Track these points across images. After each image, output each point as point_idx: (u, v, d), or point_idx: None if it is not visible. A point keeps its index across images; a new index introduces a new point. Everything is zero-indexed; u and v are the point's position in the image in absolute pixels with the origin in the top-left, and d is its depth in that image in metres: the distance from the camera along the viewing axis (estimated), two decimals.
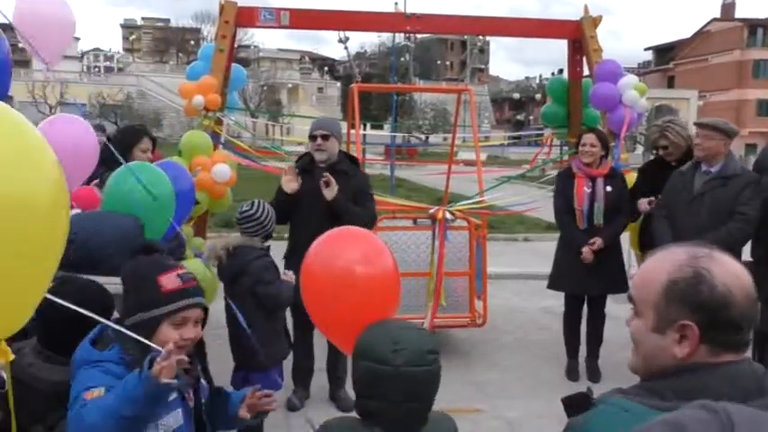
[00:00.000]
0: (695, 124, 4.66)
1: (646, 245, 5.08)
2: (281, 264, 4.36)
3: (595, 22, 6.38)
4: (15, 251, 1.46)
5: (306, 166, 4.58)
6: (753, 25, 53.85)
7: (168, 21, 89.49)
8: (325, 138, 4.51)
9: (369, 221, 4.51)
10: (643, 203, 4.93)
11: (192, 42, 74.10)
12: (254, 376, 3.63)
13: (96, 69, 75.25)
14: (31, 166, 1.51)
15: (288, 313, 4.11)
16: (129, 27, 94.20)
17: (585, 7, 6.50)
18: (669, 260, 1.30)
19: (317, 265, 2.16)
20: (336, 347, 4.53)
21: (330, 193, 4.35)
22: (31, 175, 1.50)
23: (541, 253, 9.67)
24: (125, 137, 4.61)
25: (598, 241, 5.01)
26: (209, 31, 73.38)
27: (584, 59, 6.50)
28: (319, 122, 4.72)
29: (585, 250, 4.99)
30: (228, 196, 5.39)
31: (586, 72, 6.64)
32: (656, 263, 1.33)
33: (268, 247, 3.85)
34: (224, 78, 6.01)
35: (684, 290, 1.26)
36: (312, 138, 4.53)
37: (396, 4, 23.62)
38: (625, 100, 5.85)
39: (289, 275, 3.84)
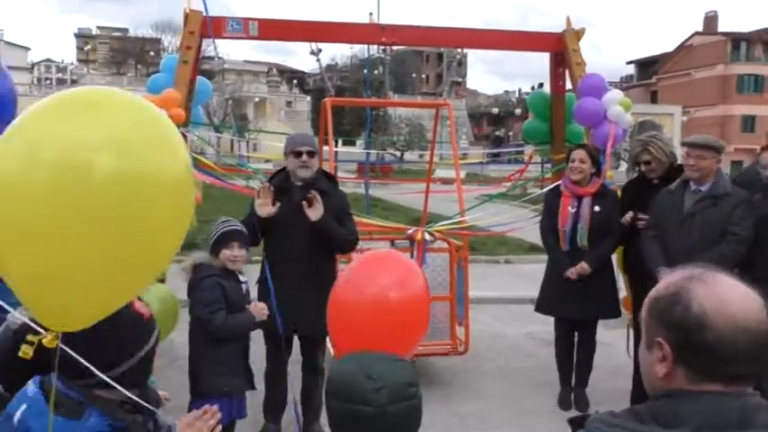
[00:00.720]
0: (684, 144, 4.73)
1: (631, 265, 5.13)
2: (254, 289, 4.30)
3: (578, 34, 6.50)
4: (154, 227, 1.64)
5: (282, 184, 4.50)
6: (736, 39, 55.40)
7: (126, 30, 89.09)
8: (311, 154, 4.46)
9: (352, 242, 4.50)
10: (627, 219, 4.98)
11: (152, 53, 73.77)
12: (193, 404, 3.56)
13: (48, 81, 74.47)
14: (170, 150, 1.69)
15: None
16: (83, 37, 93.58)
17: (568, 19, 6.62)
18: (667, 279, 1.36)
19: (351, 293, 2.18)
20: (312, 376, 4.53)
21: (315, 213, 4.29)
22: (169, 157, 1.69)
23: (524, 275, 9.74)
24: None
25: (584, 266, 5.02)
26: (170, 41, 73.22)
27: (567, 73, 6.61)
28: (302, 137, 4.68)
29: (570, 271, 5.02)
30: (192, 217, 5.34)
31: (568, 86, 6.75)
32: (660, 283, 1.38)
33: (232, 271, 3.79)
34: (188, 92, 5.99)
35: (662, 308, 1.32)
36: (296, 154, 4.44)
37: (370, 14, 23.86)
38: (610, 115, 5.95)
39: (258, 308, 3.78)
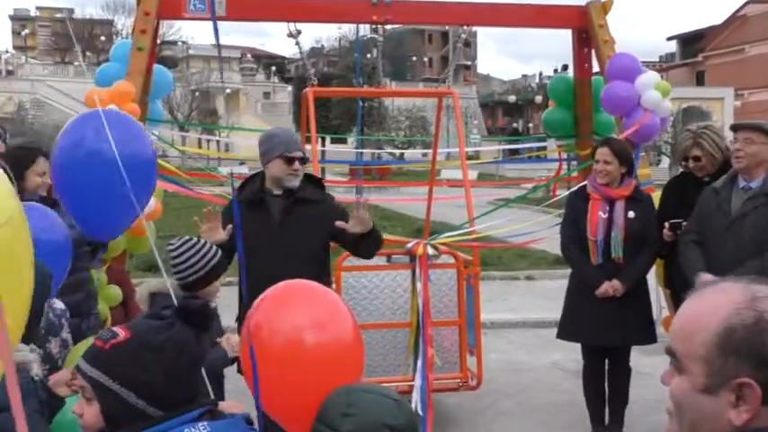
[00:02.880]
0: (732, 127, 4.74)
1: (674, 280, 5.15)
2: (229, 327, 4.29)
3: (605, 7, 6.54)
4: None
5: (256, 195, 4.45)
6: None
7: (72, 11, 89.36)
8: (302, 161, 4.43)
9: (381, 243, 4.57)
10: (667, 233, 4.99)
11: (103, 38, 73.94)
12: None
13: None
14: None
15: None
16: (20, 19, 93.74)
17: None
18: (722, 301, 1.30)
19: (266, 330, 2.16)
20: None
21: (365, 224, 4.26)
22: None
23: (548, 294, 9.77)
24: (16, 158, 4.57)
25: (616, 285, 5.03)
26: (123, 24, 73.42)
27: (594, 53, 6.65)
28: (292, 139, 4.58)
29: (604, 286, 5.02)
30: (149, 233, 5.36)
31: (596, 68, 6.79)
32: (703, 304, 1.33)
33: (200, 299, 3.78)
34: (144, 83, 6.02)
35: (745, 339, 1.26)
36: (288, 160, 4.37)
37: None
38: (644, 102, 5.99)
39: (233, 341, 3.75)
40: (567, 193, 5.87)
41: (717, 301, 1.31)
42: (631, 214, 5.08)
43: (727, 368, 1.27)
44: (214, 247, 3.74)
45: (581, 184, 5.48)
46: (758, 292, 1.29)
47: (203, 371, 3.53)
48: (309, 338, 2.13)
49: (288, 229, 4.33)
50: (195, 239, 3.77)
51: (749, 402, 1.25)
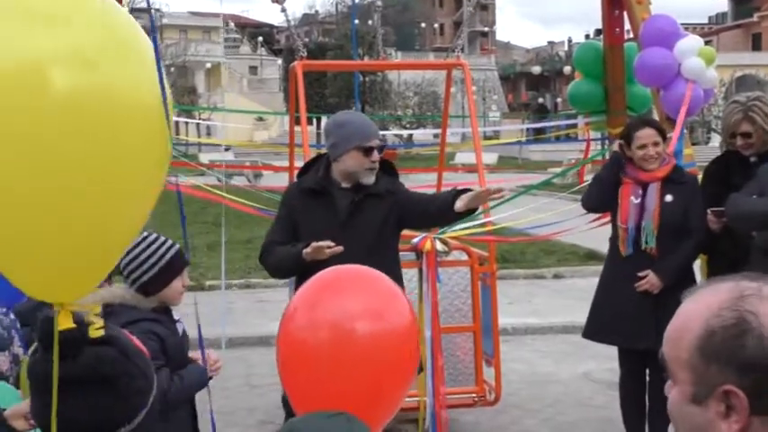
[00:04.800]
0: None
1: (719, 275, 5.13)
2: None
3: None
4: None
5: (320, 185, 4.41)
6: None
7: None
8: (380, 150, 4.35)
9: None
10: (712, 219, 4.98)
11: None
12: None
13: None
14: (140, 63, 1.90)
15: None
16: None
17: None
18: (709, 301, 1.33)
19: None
20: None
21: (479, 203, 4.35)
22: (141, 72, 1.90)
23: (579, 294, 9.75)
24: None
25: (651, 279, 5.03)
26: None
27: (626, 15, 6.64)
28: (370, 123, 4.54)
29: (639, 283, 5.01)
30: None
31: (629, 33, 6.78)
32: (693, 306, 1.36)
33: (166, 309, 3.64)
34: None
35: (723, 343, 1.28)
36: (365, 151, 4.29)
37: None
38: (685, 71, 5.98)
39: (212, 358, 3.72)
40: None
41: (705, 302, 1.34)
42: (669, 198, 5.05)
43: (710, 375, 1.29)
44: (170, 242, 3.65)
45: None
46: (746, 289, 1.31)
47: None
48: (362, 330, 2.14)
49: (352, 229, 4.29)
50: (151, 233, 3.67)
51: (738, 410, 1.27)
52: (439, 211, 4.40)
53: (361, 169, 4.32)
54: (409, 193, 4.57)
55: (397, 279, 4.50)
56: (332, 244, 4.12)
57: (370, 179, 4.35)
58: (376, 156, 4.32)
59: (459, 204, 4.20)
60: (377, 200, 4.36)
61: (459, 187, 4.46)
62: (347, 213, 4.33)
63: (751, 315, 1.27)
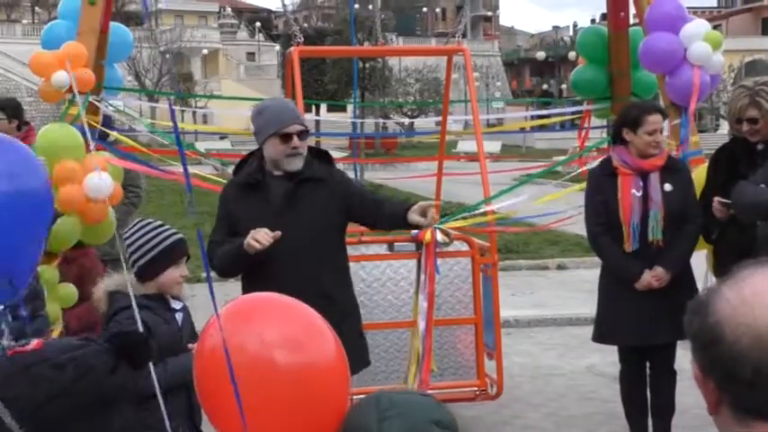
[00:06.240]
0: None
1: (726, 267, 5.12)
2: None
3: None
4: None
5: (254, 178, 4.41)
6: None
7: None
8: (302, 135, 4.33)
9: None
10: (718, 207, 4.95)
11: None
12: None
13: None
14: None
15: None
16: None
17: None
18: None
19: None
20: None
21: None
22: None
23: (583, 286, 9.77)
24: None
25: (660, 273, 5.00)
26: None
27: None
28: (286, 110, 4.50)
29: (645, 278, 4.99)
30: (110, 220, 5.38)
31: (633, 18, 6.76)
32: None
33: (163, 298, 3.74)
34: (99, 44, 6.02)
35: (686, 322, 1.39)
36: (283, 137, 4.28)
37: None
38: (691, 57, 5.96)
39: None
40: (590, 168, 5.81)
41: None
42: (668, 187, 5.02)
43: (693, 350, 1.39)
44: (171, 231, 3.74)
45: (602, 158, 5.46)
46: (742, 273, 1.36)
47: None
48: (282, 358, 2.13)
49: (291, 217, 4.28)
50: (152, 221, 3.82)
51: (705, 387, 1.35)
52: (392, 214, 4.38)
53: (281, 156, 4.30)
54: (357, 186, 4.62)
55: (343, 269, 4.58)
56: (269, 231, 4.09)
57: (294, 165, 4.31)
58: (296, 141, 4.27)
59: (413, 216, 4.20)
60: (313, 185, 4.35)
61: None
62: (284, 201, 4.31)
63: (710, 297, 1.37)
